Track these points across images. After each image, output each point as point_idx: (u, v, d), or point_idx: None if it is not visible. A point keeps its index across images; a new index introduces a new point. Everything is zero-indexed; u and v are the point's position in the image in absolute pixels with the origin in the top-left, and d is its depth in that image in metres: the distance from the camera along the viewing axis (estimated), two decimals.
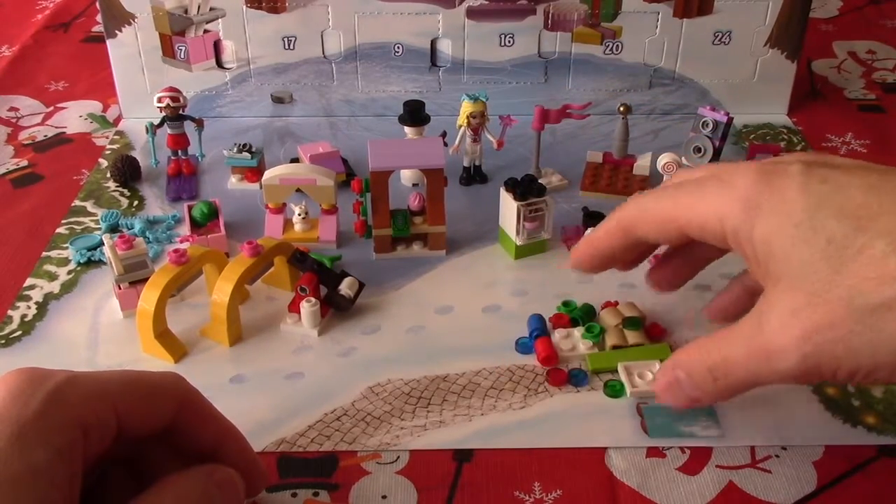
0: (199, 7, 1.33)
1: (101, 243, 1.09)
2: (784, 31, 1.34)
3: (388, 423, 0.86)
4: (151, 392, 0.66)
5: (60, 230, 1.15)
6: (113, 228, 1.14)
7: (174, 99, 1.22)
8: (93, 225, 1.16)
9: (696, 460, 0.83)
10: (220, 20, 1.34)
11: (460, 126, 1.19)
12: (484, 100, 1.18)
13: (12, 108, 1.46)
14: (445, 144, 1.15)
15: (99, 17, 1.41)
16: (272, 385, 0.91)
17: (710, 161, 1.22)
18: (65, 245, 1.12)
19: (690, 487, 0.80)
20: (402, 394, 0.90)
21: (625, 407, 0.88)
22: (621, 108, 1.21)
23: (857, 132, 1.37)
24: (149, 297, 0.93)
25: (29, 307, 1.02)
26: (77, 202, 1.21)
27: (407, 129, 1.22)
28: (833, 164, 0.69)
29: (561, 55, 1.37)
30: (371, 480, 0.81)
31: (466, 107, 1.17)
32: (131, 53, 1.35)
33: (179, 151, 1.26)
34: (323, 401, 0.89)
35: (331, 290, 1.00)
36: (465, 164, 1.24)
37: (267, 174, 1.09)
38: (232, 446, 0.71)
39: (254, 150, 1.23)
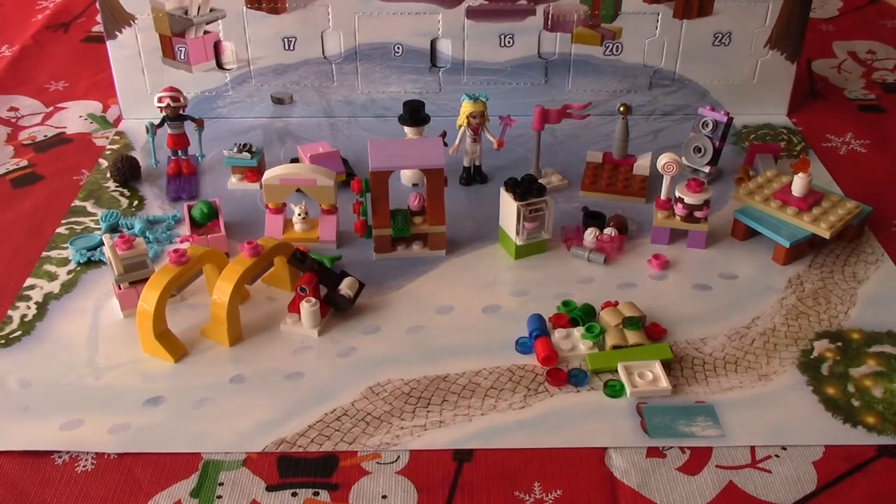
0: (199, 8, 1.33)
1: (101, 243, 1.09)
2: (784, 32, 1.34)
3: (388, 423, 0.86)
4: None
5: (60, 230, 1.15)
6: (113, 228, 1.14)
7: (174, 99, 1.22)
8: (93, 225, 1.16)
9: (696, 460, 0.83)
10: (220, 21, 1.34)
11: (460, 126, 1.19)
12: (484, 100, 1.18)
13: (12, 108, 1.46)
14: (445, 144, 1.15)
15: (99, 18, 1.41)
16: (272, 385, 0.91)
17: (711, 161, 1.22)
18: (65, 245, 1.12)
19: (690, 487, 0.80)
20: (402, 394, 0.90)
21: (625, 407, 0.88)
22: (621, 109, 1.21)
23: (857, 132, 1.37)
24: (149, 297, 0.93)
25: (29, 307, 1.02)
26: (77, 202, 1.21)
27: (407, 129, 1.22)
28: None
29: (561, 56, 1.36)
30: (371, 480, 0.81)
31: (466, 107, 1.17)
32: (131, 54, 1.35)
33: (179, 151, 1.26)
34: (323, 401, 0.89)
35: (331, 290, 1.00)
36: (465, 164, 1.24)
37: (267, 174, 1.09)
38: None
39: (254, 150, 1.23)
